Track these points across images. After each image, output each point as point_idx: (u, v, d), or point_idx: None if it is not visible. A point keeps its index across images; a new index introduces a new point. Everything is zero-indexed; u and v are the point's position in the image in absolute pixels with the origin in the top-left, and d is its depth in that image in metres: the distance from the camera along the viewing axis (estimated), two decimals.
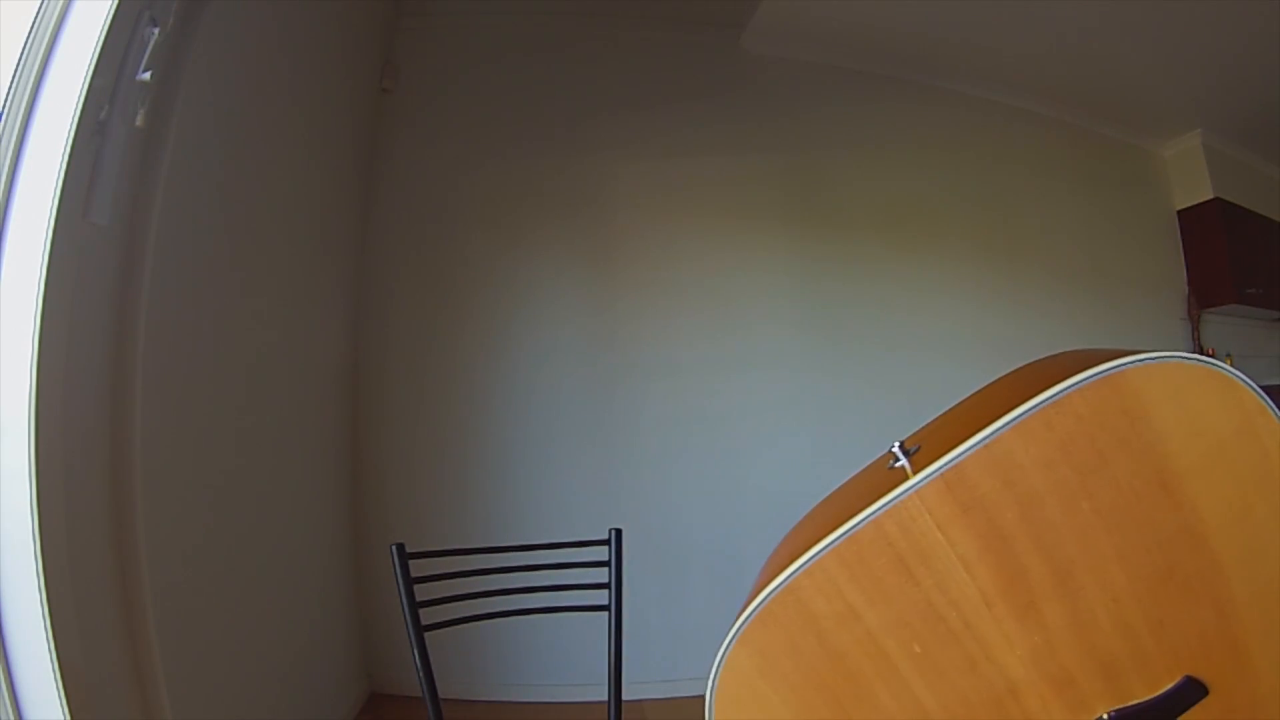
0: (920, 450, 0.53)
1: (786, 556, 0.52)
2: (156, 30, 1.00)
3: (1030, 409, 0.46)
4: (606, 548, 1.12)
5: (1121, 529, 0.47)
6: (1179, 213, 3.66)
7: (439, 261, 2.37)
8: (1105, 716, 0.47)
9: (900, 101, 2.97)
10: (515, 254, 2.43)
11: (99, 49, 0.89)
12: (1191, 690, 0.47)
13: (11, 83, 0.88)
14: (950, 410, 0.69)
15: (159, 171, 1.11)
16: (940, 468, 0.47)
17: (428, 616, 1.01)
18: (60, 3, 0.89)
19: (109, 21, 0.90)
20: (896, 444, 0.52)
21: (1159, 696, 0.47)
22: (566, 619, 1.14)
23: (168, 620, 1.08)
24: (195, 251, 1.27)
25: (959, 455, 0.47)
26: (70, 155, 0.88)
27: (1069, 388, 0.46)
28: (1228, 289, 3.48)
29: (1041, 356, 0.64)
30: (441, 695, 1.00)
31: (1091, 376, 0.46)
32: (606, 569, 1.12)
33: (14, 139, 0.87)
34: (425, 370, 2.32)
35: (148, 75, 0.99)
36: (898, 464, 0.52)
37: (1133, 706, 0.47)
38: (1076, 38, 2.75)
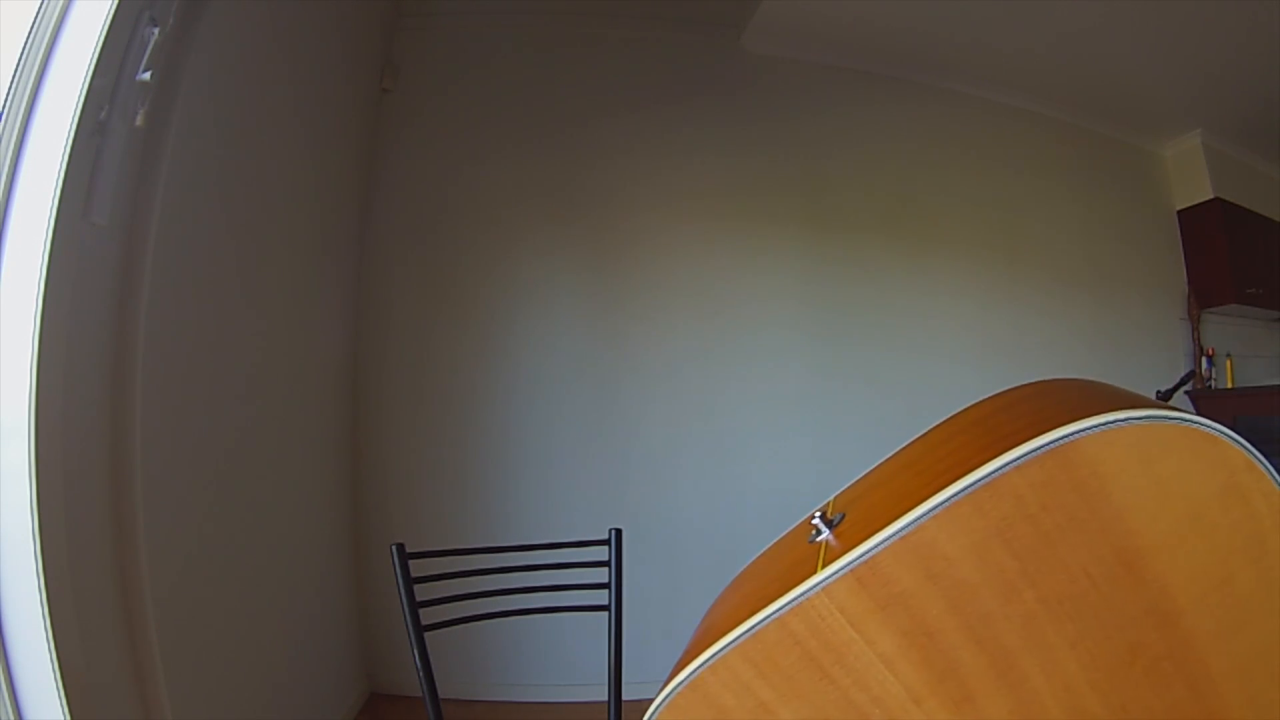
0: (845, 519, 0.48)
1: (699, 642, 0.48)
2: (156, 30, 1.00)
3: (957, 493, 0.41)
4: (606, 548, 1.12)
5: (1074, 616, 0.42)
6: (1179, 213, 3.66)
7: (439, 261, 2.37)
8: None
9: (901, 101, 2.97)
10: (515, 254, 2.43)
11: (99, 49, 0.89)
12: None
13: (11, 83, 0.87)
14: (888, 461, 0.61)
15: (159, 171, 1.11)
16: (851, 562, 0.42)
17: (428, 616, 1.01)
18: (60, 3, 0.89)
19: (109, 21, 0.90)
20: (818, 513, 0.47)
21: None
22: (566, 619, 1.14)
23: (168, 620, 1.08)
24: (195, 251, 1.27)
25: (873, 548, 0.42)
26: (70, 155, 0.88)
27: (1006, 466, 0.40)
28: (1228, 289, 3.48)
29: (1009, 388, 0.57)
30: (441, 695, 1.00)
31: (1034, 451, 0.40)
32: (607, 569, 1.12)
33: (14, 139, 0.87)
34: (425, 370, 2.32)
35: (148, 75, 0.99)
36: (819, 537, 0.47)
37: None
38: (1077, 38, 2.75)
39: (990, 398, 0.57)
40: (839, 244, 2.80)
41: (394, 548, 1.00)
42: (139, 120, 1.01)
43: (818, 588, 0.43)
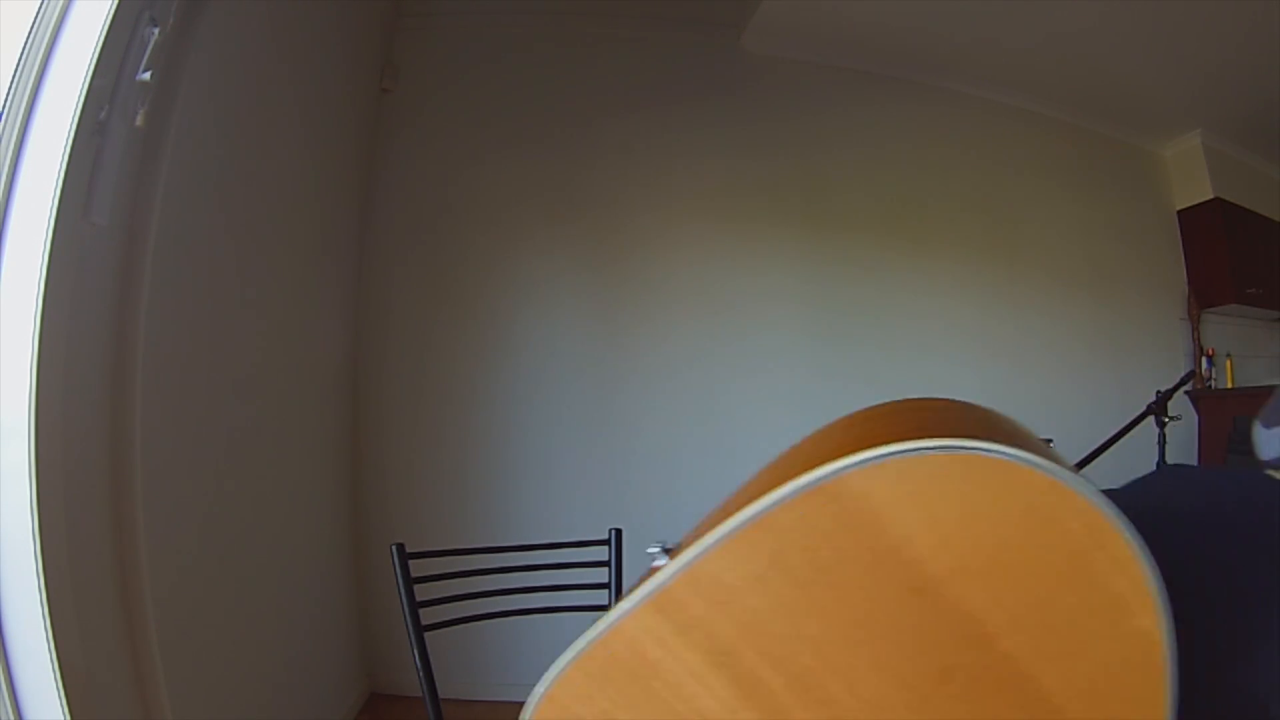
0: (678, 546, 0.50)
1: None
2: (156, 30, 1.00)
3: (734, 529, 0.43)
4: (606, 548, 1.12)
5: (870, 640, 0.43)
6: (1179, 213, 3.66)
7: (439, 261, 2.37)
8: None
9: (900, 101, 2.97)
10: (515, 254, 2.43)
11: (99, 49, 0.89)
12: None
13: (11, 83, 0.87)
14: (736, 492, 0.64)
15: (159, 171, 1.11)
16: (649, 593, 0.45)
17: (428, 616, 1.01)
18: (60, 3, 0.89)
19: (109, 21, 0.90)
20: (658, 545, 0.50)
21: None
22: (567, 619, 1.14)
23: (168, 620, 1.08)
24: (195, 251, 1.27)
25: (666, 579, 0.45)
26: (70, 155, 0.88)
27: (773, 504, 0.42)
28: (1228, 289, 3.48)
29: (858, 410, 0.60)
30: (441, 695, 1.00)
31: (800, 489, 0.42)
32: (606, 569, 1.12)
33: (14, 139, 0.87)
34: (425, 370, 2.32)
35: (148, 75, 0.99)
36: (654, 563, 0.49)
37: None
38: (1077, 37, 2.75)
39: (836, 421, 0.60)
40: (839, 244, 2.81)
41: (394, 547, 1.00)
42: (139, 120, 1.01)
43: (625, 614, 0.46)
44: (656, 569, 0.47)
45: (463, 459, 2.30)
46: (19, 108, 0.87)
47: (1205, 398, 3.45)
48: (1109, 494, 0.41)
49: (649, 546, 0.51)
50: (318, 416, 1.96)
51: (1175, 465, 0.56)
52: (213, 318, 1.35)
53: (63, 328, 0.89)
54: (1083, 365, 3.21)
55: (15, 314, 0.85)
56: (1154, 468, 1.70)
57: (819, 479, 0.41)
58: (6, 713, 0.83)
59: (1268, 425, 0.61)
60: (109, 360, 1.03)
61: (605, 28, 2.62)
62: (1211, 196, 3.52)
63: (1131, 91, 3.18)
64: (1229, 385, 3.58)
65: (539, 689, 0.50)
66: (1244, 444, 3.10)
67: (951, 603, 0.41)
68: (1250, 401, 3.23)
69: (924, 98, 3.03)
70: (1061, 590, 0.40)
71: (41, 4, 0.89)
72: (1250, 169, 3.71)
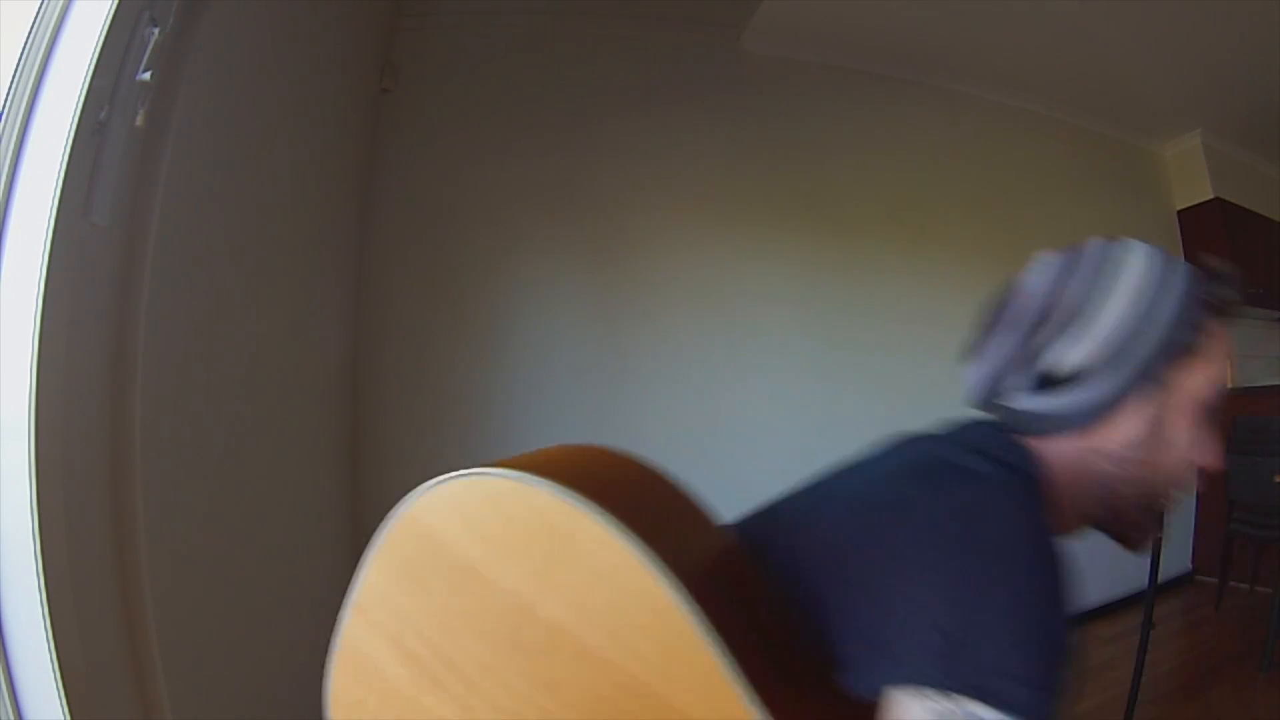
0: None
1: None
2: (156, 30, 1.00)
3: (378, 541, 0.55)
4: None
5: (459, 627, 0.51)
6: (1179, 213, 3.66)
7: (439, 261, 2.37)
8: None
9: (900, 102, 2.97)
10: (515, 254, 2.43)
11: (99, 49, 0.89)
12: None
13: (11, 83, 0.88)
14: None
15: (159, 171, 1.11)
16: (350, 596, 0.57)
17: None
18: (60, 3, 0.89)
19: (109, 21, 0.90)
20: None
21: None
22: None
23: (168, 620, 1.08)
24: (195, 251, 1.27)
25: (357, 581, 0.57)
26: (70, 155, 0.88)
27: (379, 537, 0.54)
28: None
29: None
30: None
31: (389, 520, 0.53)
32: None
33: (14, 139, 0.87)
34: (425, 370, 2.32)
35: (148, 75, 0.99)
36: None
37: None
38: (1076, 37, 2.76)
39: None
40: (839, 244, 2.81)
41: None
42: (139, 120, 1.01)
43: (346, 614, 0.58)
44: None
45: (463, 459, 2.28)
46: (19, 108, 0.87)
47: None
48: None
49: None
50: (318, 416, 1.96)
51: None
52: (213, 318, 1.35)
53: (63, 328, 0.89)
54: None
55: (15, 314, 0.85)
56: None
57: (400, 509, 0.52)
58: (6, 713, 0.83)
59: (968, 362, 0.64)
60: (109, 360, 1.03)
61: (605, 28, 2.62)
62: (1211, 196, 3.52)
63: (1131, 91, 3.18)
64: (1229, 385, 3.57)
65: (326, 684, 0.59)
66: (1244, 444, 3.11)
67: (543, 615, 0.48)
68: (1250, 401, 3.23)
69: (924, 98, 3.03)
70: (610, 594, 0.47)
71: (41, 4, 0.89)
72: (1250, 169, 3.71)
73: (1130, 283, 0.57)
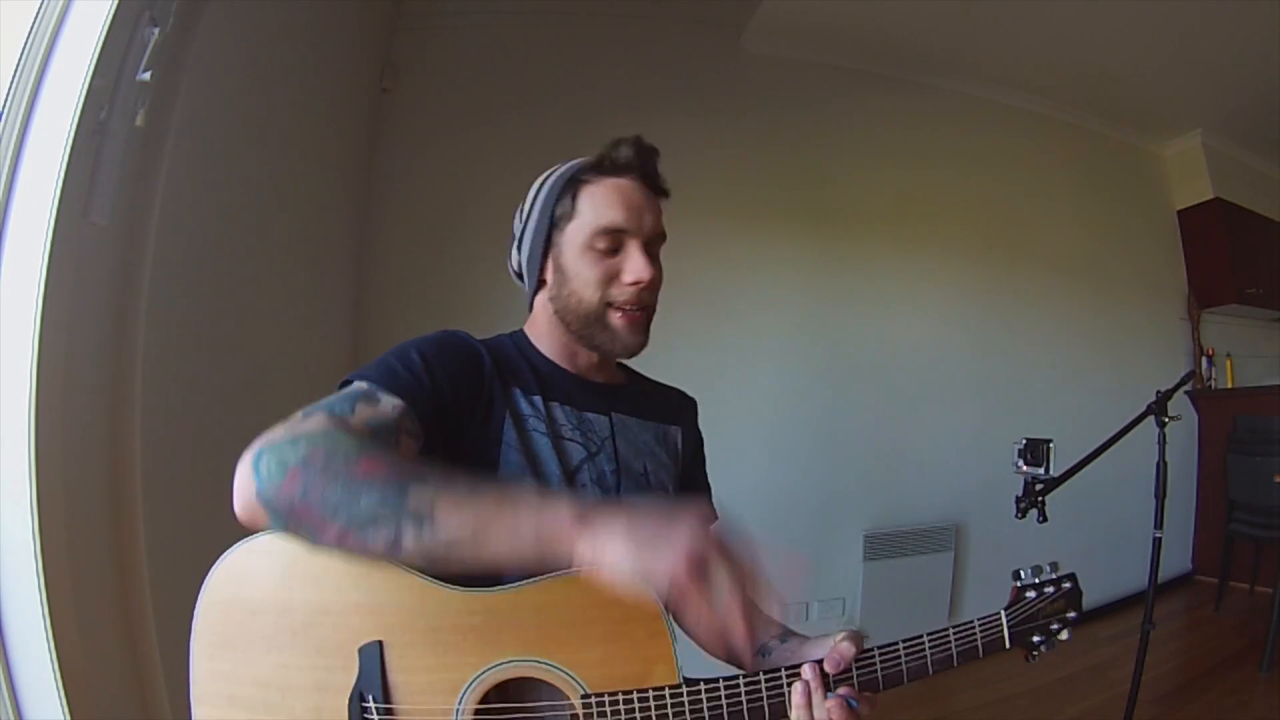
0: None
1: None
2: (156, 30, 1.00)
3: (191, 642, 0.66)
4: None
5: (281, 647, 0.65)
6: (1179, 213, 3.66)
7: (439, 261, 2.37)
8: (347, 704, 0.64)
9: (900, 101, 2.97)
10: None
11: (99, 49, 0.90)
12: (368, 651, 0.64)
13: (11, 83, 0.88)
14: None
15: (159, 171, 1.11)
16: (192, 693, 0.67)
17: None
18: (60, 3, 0.89)
19: (109, 21, 0.90)
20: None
21: (359, 671, 0.64)
22: None
23: (168, 620, 1.08)
24: (195, 251, 1.27)
25: (190, 676, 0.67)
26: (70, 155, 0.88)
27: (192, 632, 0.66)
28: (1228, 289, 3.48)
29: None
30: None
31: (195, 614, 0.66)
32: None
33: (14, 139, 0.87)
34: None
35: (148, 75, 0.99)
36: None
37: (354, 687, 0.63)
38: (1077, 37, 2.76)
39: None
40: (839, 244, 2.81)
41: None
42: (139, 120, 1.01)
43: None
44: None
45: None
46: (19, 108, 0.87)
47: (1205, 398, 3.46)
48: None
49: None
50: None
51: None
52: (212, 318, 1.35)
53: (63, 328, 0.89)
54: (1083, 365, 3.21)
55: (15, 314, 0.85)
56: (1153, 468, 1.70)
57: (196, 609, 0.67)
58: (6, 713, 0.83)
59: None
60: (109, 360, 1.03)
61: (605, 28, 2.62)
62: (1211, 196, 3.52)
63: (1132, 91, 3.18)
64: (1229, 385, 3.58)
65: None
66: (1245, 444, 3.10)
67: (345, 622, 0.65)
68: (1250, 401, 3.23)
69: (924, 98, 3.03)
70: (297, 569, 0.67)
71: (41, 4, 0.89)
72: (1250, 169, 3.71)
73: (526, 199, 0.91)
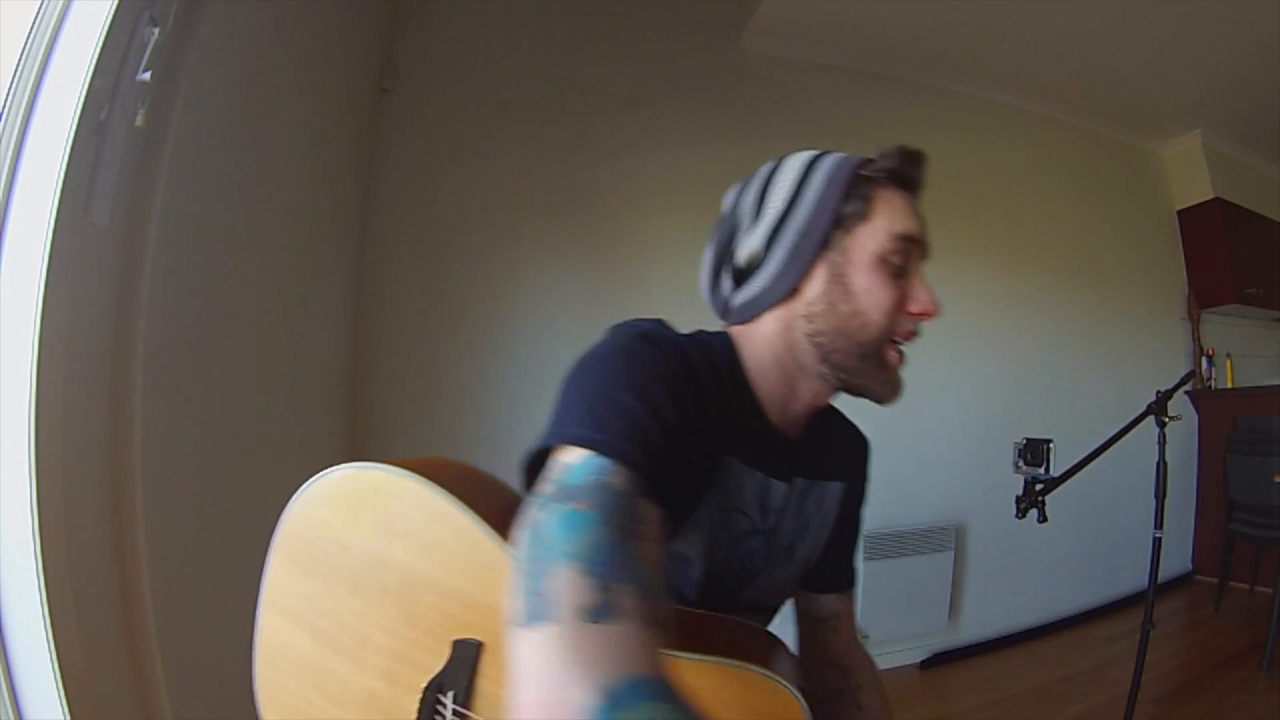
0: None
1: None
2: (156, 30, 1.00)
3: (270, 555, 0.68)
4: None
5: (343, 592, 0.63)
6: (1179, 213, 3.66)
7: (439, 260, 2.37)
8: (423, 688, 0.59)
9: (900, 101, 2.97)
10: (516, 253, 2.43)
11: (99, 49, 0.89)
12: (466, 648, 0.58)
13: (11, 83, 0.88)
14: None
15: (159, 171, 1.11)
16: (262, 596, 0.68)
17: None
18: (60, 3, 0.89)
19: (109, 21, 0.90)
20: None
21: (448, 662, 0.59)
22: None
23: (168, 620, 1.08)
24: (195, 251, 1.27)
25: (261, 596, 0.68)
26: (70, 155, 0.88)
27: (276, 536, 0.68)
28: (1228, 289, 3.48)
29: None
30: None
31: (279, 525, 0.67)
32: None
33: (14, 139, 0.87)
34: (425, 369, 2.32)
35: (148, 75, 0.99)
36: None
37: (436, 676, 0.59)
38: (1076, 37, 2.76)
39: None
40: None
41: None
42: (139, 120, 1.01)
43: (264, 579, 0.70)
44: None
45: (461, 457, 2.30)
46: (19, 108, 0.87)
47: (1205, 398, 3.46)
48: None
49: None
50: (318, 416, 1.96)
51: None
52: (213, 317, 1.35)
53: (63, 328, 0.89)
54: (1083, 365, 3.21)
55: (15, 314, 0.85)
56: (1153, 468, 1.70)
57: (285, 514, 0.69)
58: (6, 713, 0.83)
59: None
60: (109, 360, 1.03)
61: (605, 28, 2.62)
62: (1211, 196, 3.52)
63: (1132, 91, 3.18)
64: (1229, 385, 3.58)
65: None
66: (1245, 444, 3.11)
67: (398, 564, 0.61)
68: (1250, 401, 3.23)
69: (924, 98, 3.03)
70: (403, 524, 0.62)
71: (41, 4, 0.89)
72: (1250, 169, 3.71)
73: (785, 179, 0.70)
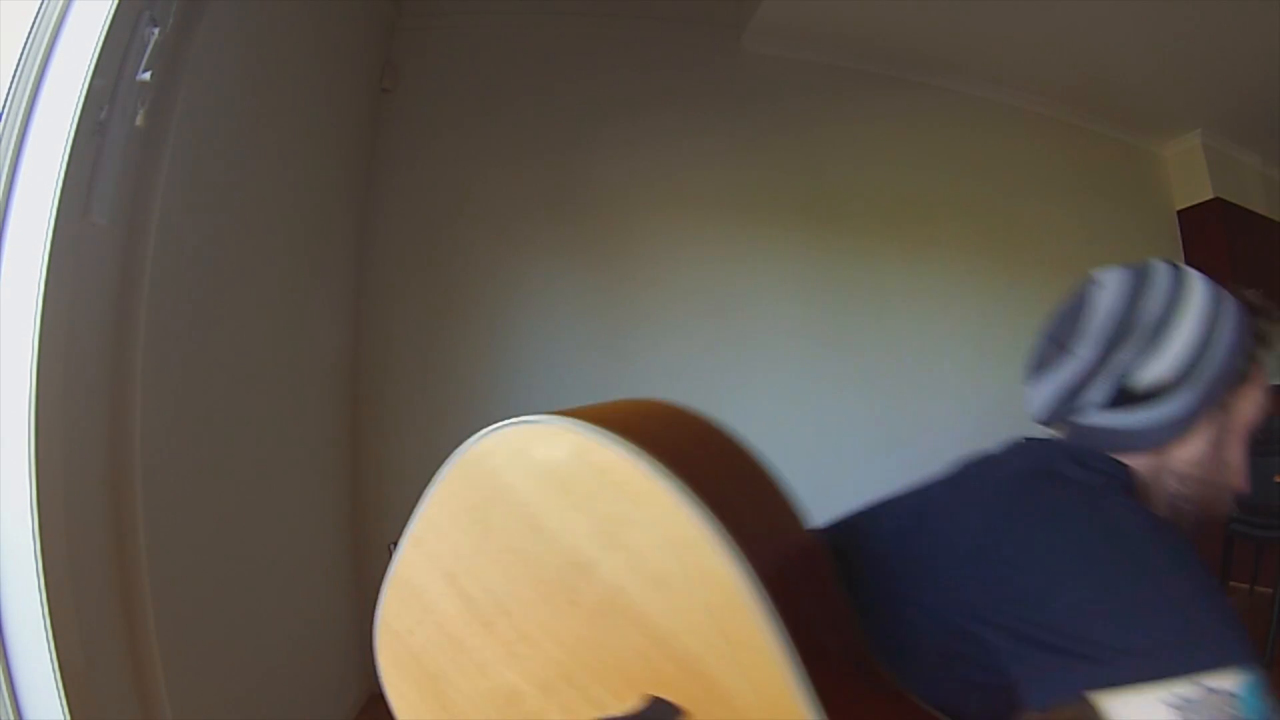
0: None
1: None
2: (156, 30, 1.00)
3: (439, 480, 0.56)
4: None
5: (516, 574, 0.52)
6: (1179, 213, 3.65)
7: (439, 261, 2.37)
8: None
9: (901, 101, 2.97)
10: (516, 254, 2.43)
11: (99, 49, 0.89)
12: (662, 709, 0.47)
13: (11, 83, 0.88)
14: None
15: (159, 171, 1.11)
16: (408, 530, 0.58)
17: None
18: (60, 3, 0.89)
19: (109, 21, 0.90)
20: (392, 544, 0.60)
21: (635, 714, 0.47)
22: None
23: (168, 620, 1.08)
24: (195, 251, 1.27)
25: (414, 518, 0.58)
26: (70, 155, 0.88)
27: (440, 478, 0.56)
28: (1227, 289, 3.48)
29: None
30: None
31: (453, 458, 0.55)
32: None
33: (14, 139, 0.87)
34: (425, 369, 2.32)
35: (148, 75, 0.99)
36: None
37: (610, 718, 0.48)
38: (1077, 37, 2.76)
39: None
40: (839, 244, 2.81)
41: (393, 547, 1.00)
42: (139, 120, 1.01)
43: (393, 565, 0.59)
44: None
45: None
46: (19, 108, 0.87)
47: None
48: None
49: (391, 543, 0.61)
50: (318, 416, 1.97)
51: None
52: (213, 317, 1.35)
53: (63, 328, 0.89)
54: None
55: (15, 314, 0.85)
56: None
57: (461, 450, 0.54)
58: (6, 713, 0.83)
59: (1034, 378, 0.68)
60: (109, 360, 1.03)
61: (605, 28, 2.62)
62: (1211, 196, 3.51)
63: (1131, 91, 3.18)
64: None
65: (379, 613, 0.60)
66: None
67: (553, 534, 0.49)
68: None
69: (924, 98, 3.03)
70: (623, 525, 0.47)
71: (41, 4, 0.89)
72: (1250, 169, 3.71)
73: (1199, 306, 0.59)
